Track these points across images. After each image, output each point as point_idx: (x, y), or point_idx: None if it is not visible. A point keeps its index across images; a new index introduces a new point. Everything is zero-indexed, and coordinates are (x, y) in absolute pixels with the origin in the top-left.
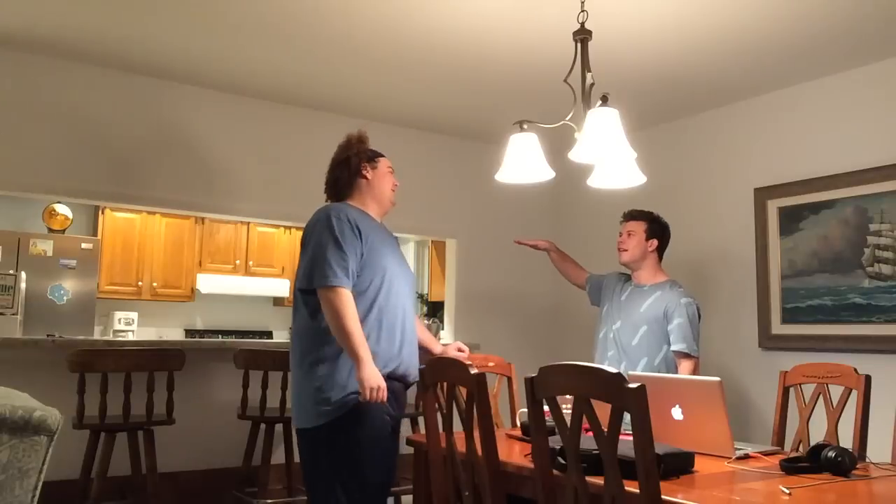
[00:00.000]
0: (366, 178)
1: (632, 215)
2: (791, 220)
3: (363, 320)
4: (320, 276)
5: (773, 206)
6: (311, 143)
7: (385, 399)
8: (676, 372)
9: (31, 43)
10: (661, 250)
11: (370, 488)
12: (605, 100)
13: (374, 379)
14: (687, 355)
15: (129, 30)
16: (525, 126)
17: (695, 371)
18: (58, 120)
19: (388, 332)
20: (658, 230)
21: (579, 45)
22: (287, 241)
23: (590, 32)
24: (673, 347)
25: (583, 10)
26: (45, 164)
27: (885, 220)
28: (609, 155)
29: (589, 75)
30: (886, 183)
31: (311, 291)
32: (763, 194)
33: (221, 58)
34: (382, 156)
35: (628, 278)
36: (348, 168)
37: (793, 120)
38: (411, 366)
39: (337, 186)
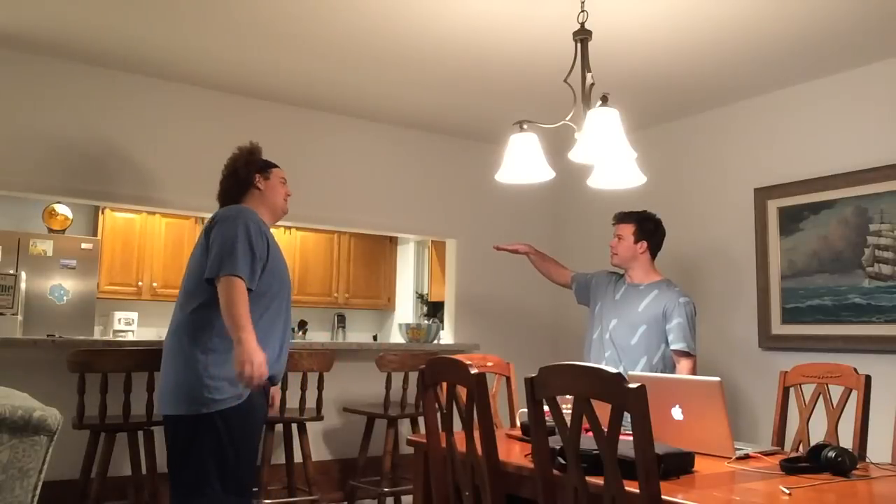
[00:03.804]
0: (258, 188)
1: (620, 217)
2: (791, 220)
3: (256, 322)
4: (228, 265)
5: (773, 206)
6: (311, 144)
7: (263, 377)
8: (674, 370)
9: (31, 43)
10: (653, 249)
11: (244, 476)
12: (605, 100)
13: (254, 355)
14: (687, 354)
15: (129, 30)
16: (525, 126)
17: (694, 369)
18: (58, 120)
19: (274, 338)
20: (649, 229)
21: (579, 45)
22: (286, 241)
23: (590, 32)
24: (673, 346)
25: (583, 10)
26: (45, 164)
27: (885, 220)
28: (609, 155)
29: (589, 75)
30: (886, 183)
31: (210, 281)
32: (763, 194)
33: (222, 58)
34: (276, 166)
35: (620, 277)
36: (237, 179)
37: (793, 120)
38: (281, 370)
39: (228, 196)
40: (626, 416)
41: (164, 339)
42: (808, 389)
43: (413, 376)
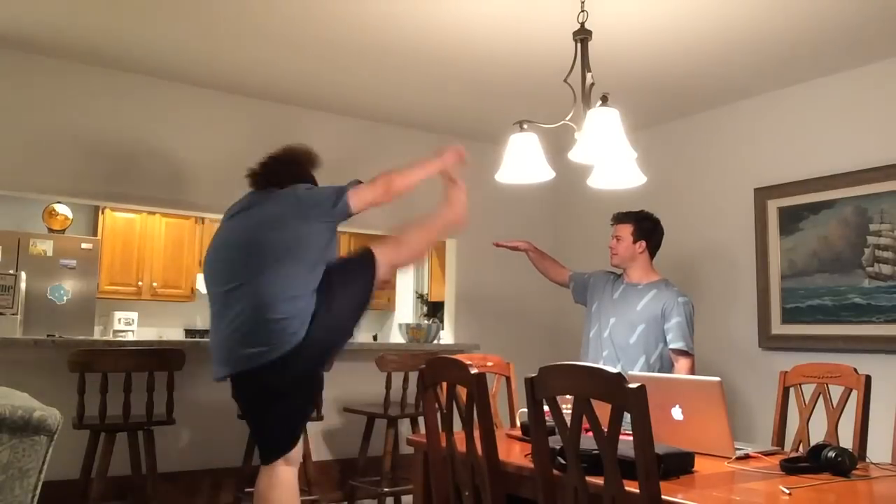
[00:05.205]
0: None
1: (619, 218)
2: (791, 220)
3: (318, 286)
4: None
5: (773, 206)
6: (311, 144)
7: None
8: (672, 369)
9: (32, 43)
10: (652, 249)
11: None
12: (605, 100)
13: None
14: (685, 353)
15: (128, 30)
16: (525, 126)
17: (692, 368)
18: (57, 120)
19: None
20: (647, 229)
21: (579, 45)
22: None
23: (590, 32)
24: (672, 345)
25: (583, 10)
26: (45, 164)
27: (885, 220)
28: (609, 155)
29: (589, 75)
30: (886, 183)
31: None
32: (763, 194)
33: (221, 58)
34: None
35: (618, 276)
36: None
37: (793, 120)
38: None
39: (280, 178)
40: (627, 416)
41: (165, 338)
42: (808, 389)
43: (413, 376)
